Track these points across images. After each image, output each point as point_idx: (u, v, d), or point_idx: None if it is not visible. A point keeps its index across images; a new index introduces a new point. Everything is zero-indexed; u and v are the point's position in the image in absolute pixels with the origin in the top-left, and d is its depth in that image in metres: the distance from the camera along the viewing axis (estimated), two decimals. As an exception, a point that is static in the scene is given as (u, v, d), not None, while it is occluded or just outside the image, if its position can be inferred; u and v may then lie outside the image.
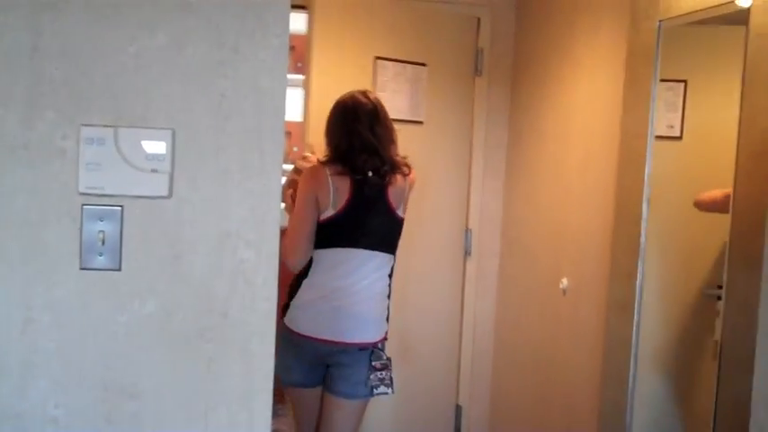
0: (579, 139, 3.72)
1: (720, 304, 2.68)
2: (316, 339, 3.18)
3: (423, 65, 4.36)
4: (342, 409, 3.24)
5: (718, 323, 2.68)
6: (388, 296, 3.30)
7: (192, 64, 1.76)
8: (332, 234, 3.17)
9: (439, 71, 4.43)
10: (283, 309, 3.24)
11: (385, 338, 3.28)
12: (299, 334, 3.19)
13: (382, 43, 4.27)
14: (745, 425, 2.38)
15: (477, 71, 4.51)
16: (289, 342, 3.19)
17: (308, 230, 3.15)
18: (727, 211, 2.61)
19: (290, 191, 3.31)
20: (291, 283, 3.25)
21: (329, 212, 3.15)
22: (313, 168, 3.20)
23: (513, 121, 4.54)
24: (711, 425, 2.68)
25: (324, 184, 3.14)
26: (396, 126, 3.30)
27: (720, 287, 2.69)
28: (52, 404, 1.78)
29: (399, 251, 3.38)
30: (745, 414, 2.38)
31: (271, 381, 1.86)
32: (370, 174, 3.17)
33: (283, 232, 3.20)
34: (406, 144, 3.42)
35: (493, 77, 4.55)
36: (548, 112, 4.08)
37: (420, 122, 4.38)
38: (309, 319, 3.19)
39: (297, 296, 3.21)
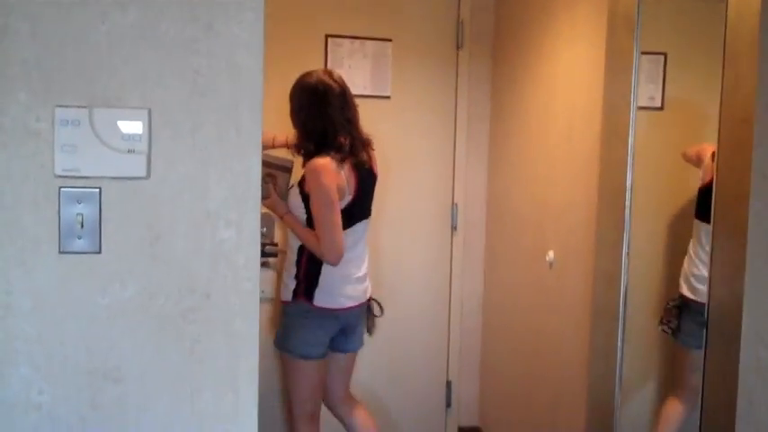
0: (562, 110, 3.70)
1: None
2: (351, 308, 3.48)
3: (387, 40, 4.35)
4: (353, 361, 3.72)
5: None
6: None
7: (165, 41, 1.73)
8: (346, 217, 3.32)
9: (416, 45, 4.41)
10: (305, 293, 3.39)
11: None
12: (338, 309, 3.43)
13: (336, 21, 4.30)
14: (733, 391, 2.38)
15: (458, 44, 4.48)
16: (323, 319, 3.42)
17: (341, 223, 3.28)
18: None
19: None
20: (308, 270, 3.39)
21: (347, 199, 3.33)
22: (324, 164, 3.26)
23: (496, 93, 4.52)
24: (700, 393, 2.68)
25: (340, 177, 3.28)
26: (356, 101, 3.40)
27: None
28: (35, 390, 1.77)
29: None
30: (733, 380, 2.38)
31: (256, 361, 1.85)
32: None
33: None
34: (373, 119, 3.48)
35: (474, 50, 4.52)
36: (530, 84, 4.06)
37: (386, 97, 4.37)
38: (343, 294, 3.44)
39: (321, 279, 3.39)
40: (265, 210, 3.42)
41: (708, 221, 2.66)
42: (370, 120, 3.46)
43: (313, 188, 3.26)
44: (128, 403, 1.80)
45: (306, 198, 3.33)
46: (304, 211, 3.36)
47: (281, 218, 3.44)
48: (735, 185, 2.44)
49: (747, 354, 2.34)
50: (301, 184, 3.36)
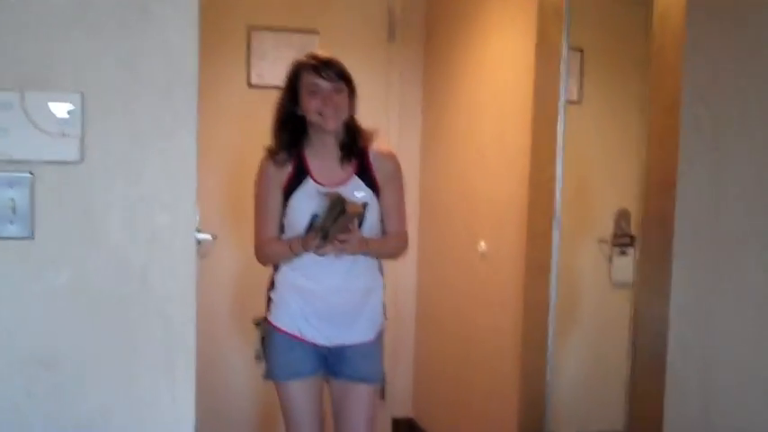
0: (493, 102, 3.74)
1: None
2: None
3: (314, 32, 4.38)
4: None
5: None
6: None
7: (98, 22, 1.71)
8: None
9: (345, 38, 4.40)
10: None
11: None
12: None
13: (259, 12, 4.34)
14: (661, 376, 2.44)
15: (390, 36, 4.50)
16: None
17: None
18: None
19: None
20: None
21: None
22: None
23: (428, 85, 4.55)
24: (628, 378, 2.74)
25: None
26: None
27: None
28: (-33, 378, 1.74)
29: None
30: (660, 365, 2.44)
31: (193, 346, 1.83)
32: None
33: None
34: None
35: (406, 42, 4.54)
36: (461, 76, 4.09)
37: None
38: None
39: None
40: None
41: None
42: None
43: (400, 175, 2.93)
44: (64, 390, 1.78)
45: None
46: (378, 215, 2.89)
47: (367, 249, 2.81)
48: (663, 170, 2.50)
49: (675, 334, 2.40)
50: (371, 180, 2.86)
